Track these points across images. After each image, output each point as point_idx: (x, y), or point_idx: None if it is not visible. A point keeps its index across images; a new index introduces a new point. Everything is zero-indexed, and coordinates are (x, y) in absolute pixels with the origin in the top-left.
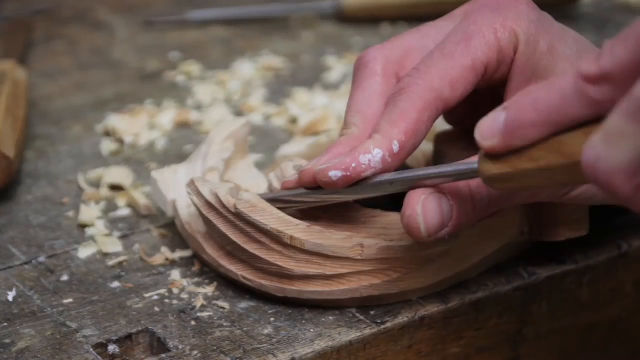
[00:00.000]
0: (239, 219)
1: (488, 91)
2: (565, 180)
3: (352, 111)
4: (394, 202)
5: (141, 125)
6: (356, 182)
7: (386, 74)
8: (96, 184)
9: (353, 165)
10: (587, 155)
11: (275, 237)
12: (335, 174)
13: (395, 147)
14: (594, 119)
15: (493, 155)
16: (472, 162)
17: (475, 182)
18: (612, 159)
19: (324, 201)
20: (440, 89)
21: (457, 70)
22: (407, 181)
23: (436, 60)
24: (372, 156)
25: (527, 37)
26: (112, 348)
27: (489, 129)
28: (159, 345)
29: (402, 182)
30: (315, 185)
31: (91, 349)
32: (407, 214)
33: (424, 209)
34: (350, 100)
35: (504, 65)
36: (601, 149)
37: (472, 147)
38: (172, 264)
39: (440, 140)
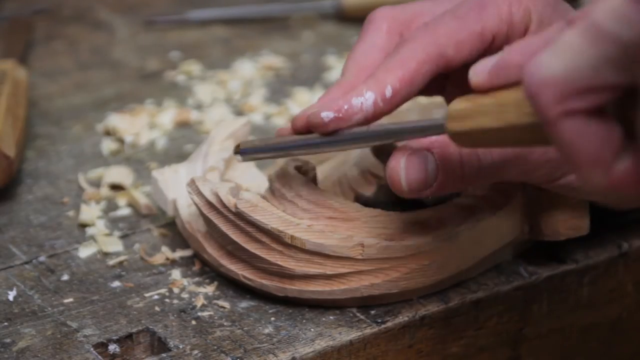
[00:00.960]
0: (239, 218)
1: None
2: (525, 142)
3: (349, 61)
4: (395, 202)
5: (141, 125)
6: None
7: (390, 31)
8: (96, 184)
9: (345, 107)
10: (531, 63)
11: (275, 237)
12: (327, 115)
13: (388, 92)
14: None
15: (460, 113)
16: (440, 118)
17: (466, 150)
18: (548, 67)
19: (308, 150)
20: (445, 46)
21: (465, 33)
22: (382, 133)
23: (447, 20)
24: (364, 99)
25: (540, 18)
26: (112, 347)
27: (482, 66)
28: (159, 344)
29: (380, 133)
30: (307, 130)
31: (92, 349)
32: (390, 165)
33: (407, 162)
34: (350, 52)
35: (511, 40)
36: (544, 58)
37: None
38: (173, 263)
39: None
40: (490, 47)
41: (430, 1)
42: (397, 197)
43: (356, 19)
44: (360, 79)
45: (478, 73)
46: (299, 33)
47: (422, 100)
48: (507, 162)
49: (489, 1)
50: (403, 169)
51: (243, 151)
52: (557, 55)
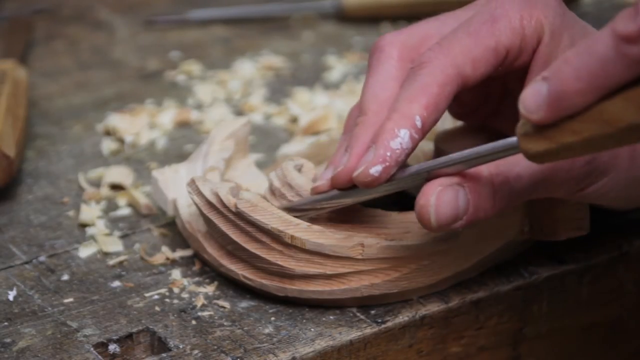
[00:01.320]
0: (239, 218)
1: (499, 84)
2: (611, 147)
3: (367, 96)
4: (395, 201)
5: (141, 125)
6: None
7: (402, 59)
8: (97, 184)
9: (388, 154)
10: None
11: (275, 237)
12: (376, 170)
13: (419, 123)
14: (635, 80)
15: (532, 132)
16: (511, 140)
17: (499, 179)
18: None
19: (358, 200)
20: (463, 65)
21: (480, 49)
22: (444, 166)
23: (460, 37)
24: (401, 139)
25: (552, 29)
26: (112, 347)
27: (534, 101)
28: (159, 344)
29: (439, 167)
30: (350, 185)
31: (92, 349)
32: (421, 203)
33: (438, 200)
34: (365, 85)
35: (525, 53)
36: None
37: (472, 146)
38: (173, 263)
39: (441, 139)
40: (504, 62)
41: (436, 21)
42: (397, 196)
43: (356, 18)
44: (381, 115)
45: (534, 110)
46: (299, 33)
47: None
48: (536, 184)
49: (500, 15)
50: (433, 206)
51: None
52: None
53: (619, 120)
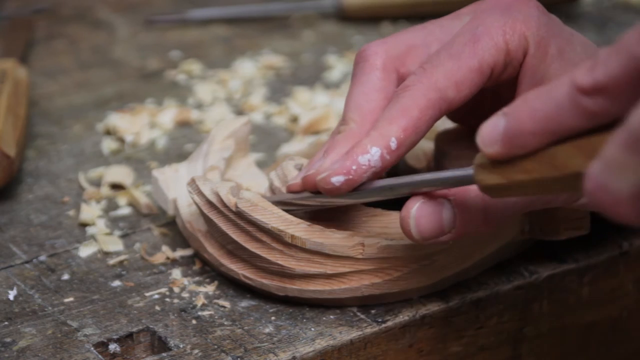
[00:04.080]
0: (239, 217)
1: (492, 89)
2: (558, 190)
3: (350, 106)
4: (395, 201)
5: (142, 124)
6: (358, 186)
7: (386, 69)
8: (97, 183)
9: (353, 167)
10: (590, 184)
11: (276, 236)
12: (337, 180)
13: (393, 144)
14: (590, 130)
15: (488, 165)
16: (469, 170)
17: None
18: (615, 190)
19: (326, 205)
20: (445, 89)
21: (463, 71)
22: (406, 186)
23: (442, 60)
24: (370, 155)
25: (537, 40)
26: (112, 347)
27: (490, 135)
28: (159, 344)
29: (402, 187)
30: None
31: (92, 348)
32: (402, 215)
33: (419, 212)
34: (349, 95)
35: (510, 67)
36: (603, 179)
37: (473, 146)
38: (173, 262)
39: (442, 139)
40: (490, 79)
41: (422, 30)
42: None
43: (356, 18)
44: (364, 127)
45: (488, 144)
46: (299, 32)
47: None
48: (532, 199)
49: (482, 33)
50: (413, 219)
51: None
52: (616, 175)
53: (567, 167)
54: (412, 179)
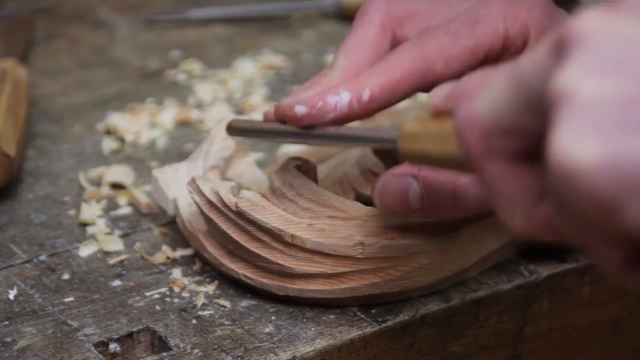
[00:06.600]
0: (240, 217)
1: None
2: (464, 170)
3: (340, 54)
4: None
5: (142, 124)
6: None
7: (383, 27)
8: (97, 183)
9: (319, 104)
10: (464, 101)
11: (276, 236)
12: (300, 110)
13: (366, 96)
14: None
15: (409, 135)
16: (395, 132)
17: (462, 180)
18: (477, 106)
19: (280, 140)
20: (434, 60)
21: (457, 49)
22: (339, 137)
23: (439, 34)
24: (339, 98)
25: (538, 30)
26: (113, 346)
27: (442, 90)
28: (159, 343)
29: (341, 137)
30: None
31: (92, 348)
32: (372, 187)
33: (384, 187)
34: (343, 44)
35: (508, 54)
36: (474, 101)
37: None
38: (173, 262)
39: None
40: (484, 62)
41: (428, 0)
42: None
43: None
44: (348, 76)
45: (436, 96)
46: (299, 32)
47: (423, 97)
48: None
49: (483, 16)
50: (378, 192)
51: (232, 129)
52: (486, 96)
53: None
54: (348, 131)
